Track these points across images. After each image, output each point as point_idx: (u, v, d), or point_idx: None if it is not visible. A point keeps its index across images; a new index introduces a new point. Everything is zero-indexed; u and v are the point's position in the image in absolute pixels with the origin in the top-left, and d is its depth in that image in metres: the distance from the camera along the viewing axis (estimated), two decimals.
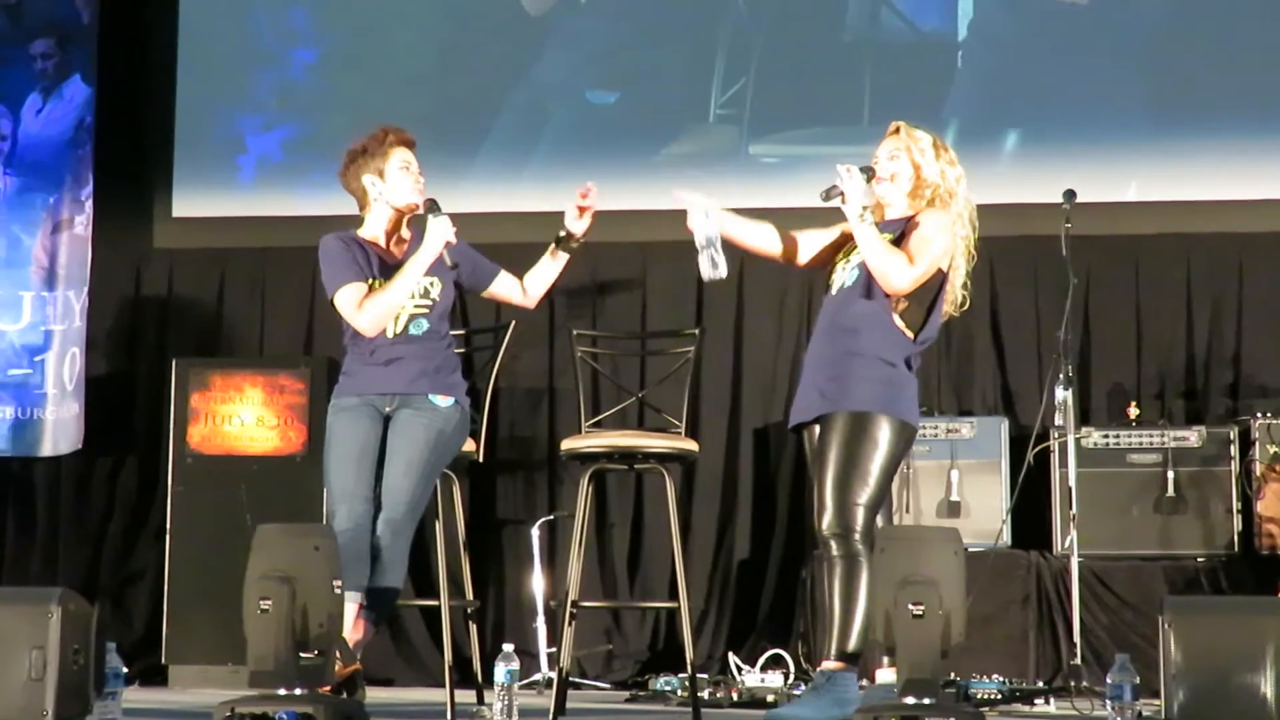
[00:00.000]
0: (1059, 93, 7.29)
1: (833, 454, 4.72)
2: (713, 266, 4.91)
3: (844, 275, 4.92)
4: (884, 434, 4.73)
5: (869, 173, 4.93)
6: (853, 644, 4.67)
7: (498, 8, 7.70)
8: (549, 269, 5.38)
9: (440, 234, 5.08)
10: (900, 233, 4.89)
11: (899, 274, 4.77)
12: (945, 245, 4.87)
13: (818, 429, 4.82)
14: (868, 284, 4.82)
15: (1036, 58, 7.35)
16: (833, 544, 4.68)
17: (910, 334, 4.84)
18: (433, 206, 5.14)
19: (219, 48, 7.83)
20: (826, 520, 4.70)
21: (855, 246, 4.89)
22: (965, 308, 5.00)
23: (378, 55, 7.71)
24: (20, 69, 7.57)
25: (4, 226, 7.50)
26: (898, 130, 5.03)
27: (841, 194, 4.84)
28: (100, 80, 7.56)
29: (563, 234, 5.32)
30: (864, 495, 4.69)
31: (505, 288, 5.39)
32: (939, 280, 4.86)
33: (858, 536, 4.67)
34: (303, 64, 7.79)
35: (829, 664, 4.69)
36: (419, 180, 5.22)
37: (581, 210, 5.30)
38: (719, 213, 4.98)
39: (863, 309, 4.82)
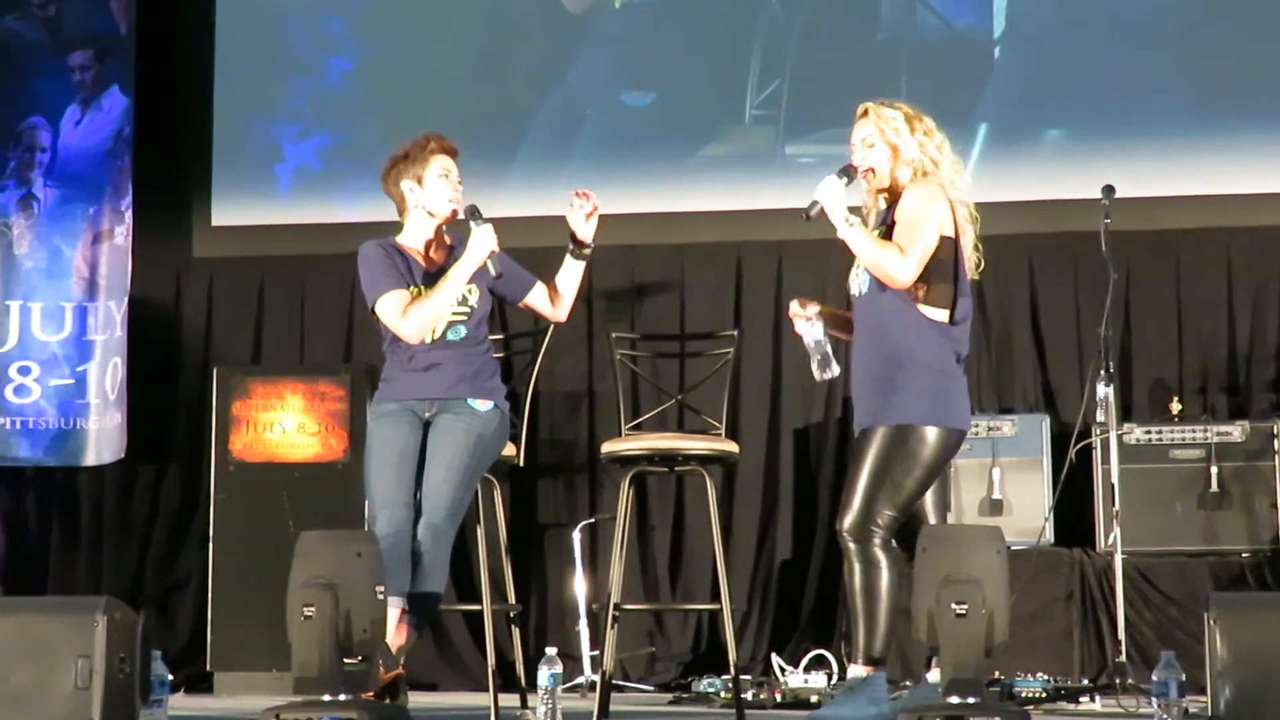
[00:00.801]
0: (1096, 88, 7.25)
1: (868, 462, 4.70)
2: (824, 367, 4.91)
3: (859, 279, 4.87)
4: (927, 446, 4.69)
5: (849, 173, 4.86)
6: (878, 648, 4.67)
7: (533, 13, 7.70)
8: (567, 279, 5.33)
9: (484, 243, 5.08)
10: (884, 219, 4.84)
11: (896, 269, 4.69)
12: (935, 215, 4.75)
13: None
14: (881, 283, 4.77)
15: (1072, 53, 7.32)
16: (852, 547, 4.68)
17: (945, 316, 4.76)
18: (474, 213, 5.14)
19: (256, 57, 7.86)
20: (848, 523, 4.69)
21: None
22: (981, 268, 4.90)
23: (413, 62, 7.72)
24: (59, 81, 7.62)
25: (45, 238, 7.55)
26: (866, 113, 4.94)
27: (820, 207, 4.78)
28: (138, 91, 7.60)
29: (571, 243, 5.28)
30: (892, 504, 4.68)
31: (539, 299, 5.37)
32: (951, 249, 4.76)
33: (878, 542, 4.66)
34: (339, 72, 7.82)
35: (860, 668, 4.68)
36: (458, 188, 5.22)
37: (587, 215, 5.24)
38: (819, 316, 4.91)
39: (890, 309, 4.76)
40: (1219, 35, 7.26)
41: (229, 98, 7.81)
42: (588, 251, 5.27)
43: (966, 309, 4.81)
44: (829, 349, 4.90)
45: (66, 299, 7.50)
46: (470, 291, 5.20)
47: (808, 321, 4.91)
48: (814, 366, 4.93)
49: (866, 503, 4.68)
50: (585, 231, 5.23)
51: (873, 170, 4.87)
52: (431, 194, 5.20)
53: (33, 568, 7.61)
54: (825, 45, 7.49)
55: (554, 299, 5.35)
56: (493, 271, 5.11)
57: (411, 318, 5.10)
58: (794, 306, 4.96)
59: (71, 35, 7.64)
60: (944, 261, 4.74)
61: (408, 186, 5.21)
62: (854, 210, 4.83)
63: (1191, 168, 7.17)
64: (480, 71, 7.71)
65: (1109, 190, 6.17)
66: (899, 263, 4.69)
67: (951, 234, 4.77)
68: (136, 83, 7.60)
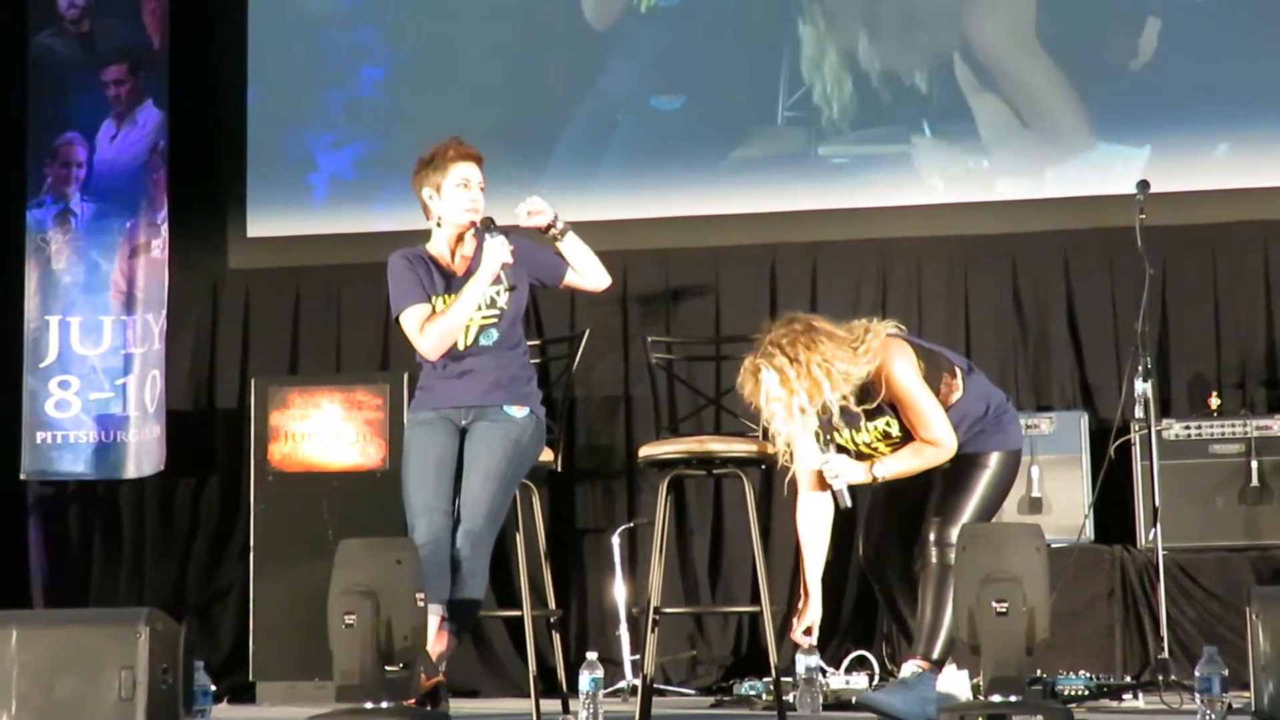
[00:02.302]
0: (1129, 82, 7.23)
1: (942, 474, 4.82)
2: (844, 501, 4.89)
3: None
4: (993, 463, 4.87)
5: (829, 439, 4.81)
6: (938, 651, 4.69)
7: (563, 20, 7.71)
8: (573, 255, 5.29)
9: (495, 256, 5.09)
10: (874, 405, 4.80)
11: (941, 456, 4.81)
12: (918, 375, 4.77)
13: None
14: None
15: (1104, 49, 7.29)
16: (932, 552, 4.74)
17: (957, 395, 4.84)
18: (489, 225, 5.14)
19: (288, 67, 7.89)
20: (933, 531, 4.78)
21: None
22: None
23: (445, 70, 7.74)
24: (94, 96, 7.66)
25: (83, 252, 7.58)
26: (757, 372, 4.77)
27: (850, 487, 4.83)
28: (172, 104, 7.63)
29: (544, 234, 5.27)
30: (969, 512, 4.79)
31: (575, 278, 5.36)
32: (937, 381, 4.83)
33: (954, 554, 4.65)
34: (372, 81, 7.84)
35: (917, 664, 4.69)
36: (475, 198, 5.21)
37: (530, 214, 5.24)
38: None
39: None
40: (1251, 27, 7.21)
41: (262, 109, 7.84)
42: (560, 227, 5.24)
43: (960, 363, 4.94)
44: (846, 490, 4.87)
45: (105, 313, 7.54)
46: (499, 294, 5.20)
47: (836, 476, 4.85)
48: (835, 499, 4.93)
49: (946, 511, 4.79)
50: (542, 222, 5.20)
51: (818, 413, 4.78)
52: (449, 204, 5.20)
53: (75, 581, 7.66)
54: (860, 40, 7.47)
55: (581, 274, 5.34)
56: (505, 283, 5.12)
57: (428, 334, 5.13)
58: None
59: (106, 50, 7.67)
60: (931, 388, 4.80)
61: (428, 194, 5.22)
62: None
63: (1227, 161, 7.13)
64: (512, 78, 7.72)
65: (1144, 185, 6.15)
66: (940, 452, 4.80)
67: (921, 367, 4.79)
68: (171, 96, 7.63)
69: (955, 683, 4.74)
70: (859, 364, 4.73)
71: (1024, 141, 7.31)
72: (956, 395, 4.84)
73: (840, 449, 4.86)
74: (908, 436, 4.83)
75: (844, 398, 4.74)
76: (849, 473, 4.83)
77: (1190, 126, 7.16)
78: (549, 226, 5.23)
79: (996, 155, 7.33)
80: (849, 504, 4.87)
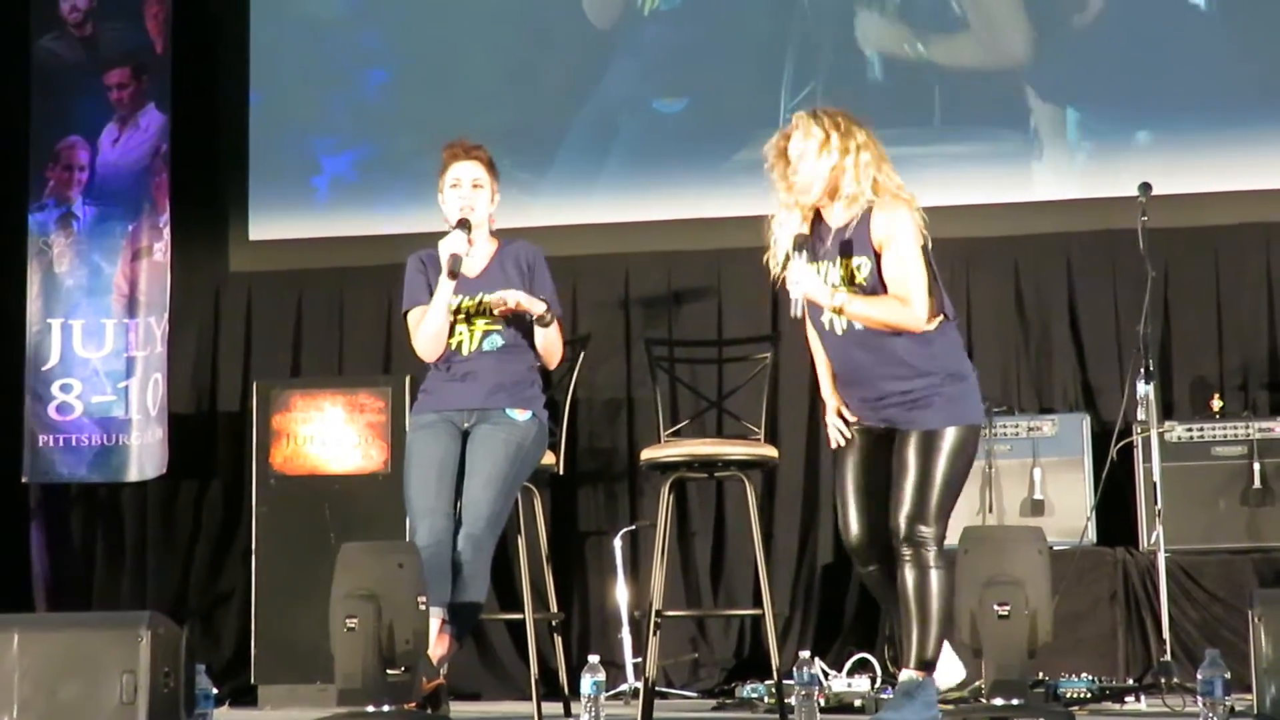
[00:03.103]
0: (1129, 85, 7.23)
1: (918, 468, 4.68)
2: (795, 310, 4.73)
3: (840, 320, 4.75)
4: (954, 440, 4.68)
5: (803, 245, 4.70)
6: (930, 653, 4.66)
7: (565, 23, 7.71)
8: (540, 336, 5.29)
9: (446, 246, 5.13)
10: (861, 245, 4.69)
11: (909, 320, 4.64)
12: (918, 240, 4.68)
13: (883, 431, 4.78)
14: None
15: (1106, 51, 7.29)
16: (906, 551, 4.65)
17: (938, 322, 4.71)
18: (462, 224, 5.19)
19: (291, 71, 7.90)
20: (904, 526, 4.65)
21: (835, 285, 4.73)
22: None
23: (448, 73, 7.74)
24: (96, 99, 7.66)
25: (85, 256, 7.59)
26: (797, 125, 4.73)
27: (808, 299, 4.68)
28: (175, 108, 7.64)
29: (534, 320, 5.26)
30: (942, 509, 4.65)
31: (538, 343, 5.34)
32: (927, 258, 4.71)
33: (931, 547, 4.64)
34: (375, 84, 7.84)
35: (913, 673, 4.65)
36: (465, 196, 5.24)
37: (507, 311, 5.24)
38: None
39: (895, 342, 4.69)
40: (1254, 29, 7.21)
41: (265, 112, 7.84)
42: (549, 319, 5.23)
43: (949, 306, 4.80)
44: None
45: (107, 316, 7.54)
46: (505, 302, 5.23)
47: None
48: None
49: (920, 507, 4.65)
50: (526, 308, 5.19)
51: (808, 212, 4.74)
52: (446, 204, 5.26)
53: (77, 584, 7.66)
54: (858, 47, 7.47)
55: (540, 348, 5.32)
56: (444, 270, 5.11)
57: (418, 338, 5.20)
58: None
59: (108, 54, 7.68)
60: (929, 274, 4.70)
61: (439, 196, 5.28)
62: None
63: (1229, 163, 7.13)
64: (514, 82, 7.72)
65: (1146, 187, 6.15)
66: (908, 315, 4.64)
67: (925, 244, 4.71)
68: (173, 100, 7.64)
69: (947, 669, 4.73)
70: (887, 175, 4.71)
71: (1027, 144, 7.30)
72: (934, 324, 4.73)
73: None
74: (872, 294, 4.68)
75: (844, 224, 4.69)
76: (811, 286, 4.65)
77: (1192, 127, 7.16)
78: (540, 317, 5.22)
79: (1000, 157, 7.32)
80: (797, 315, 4.70)
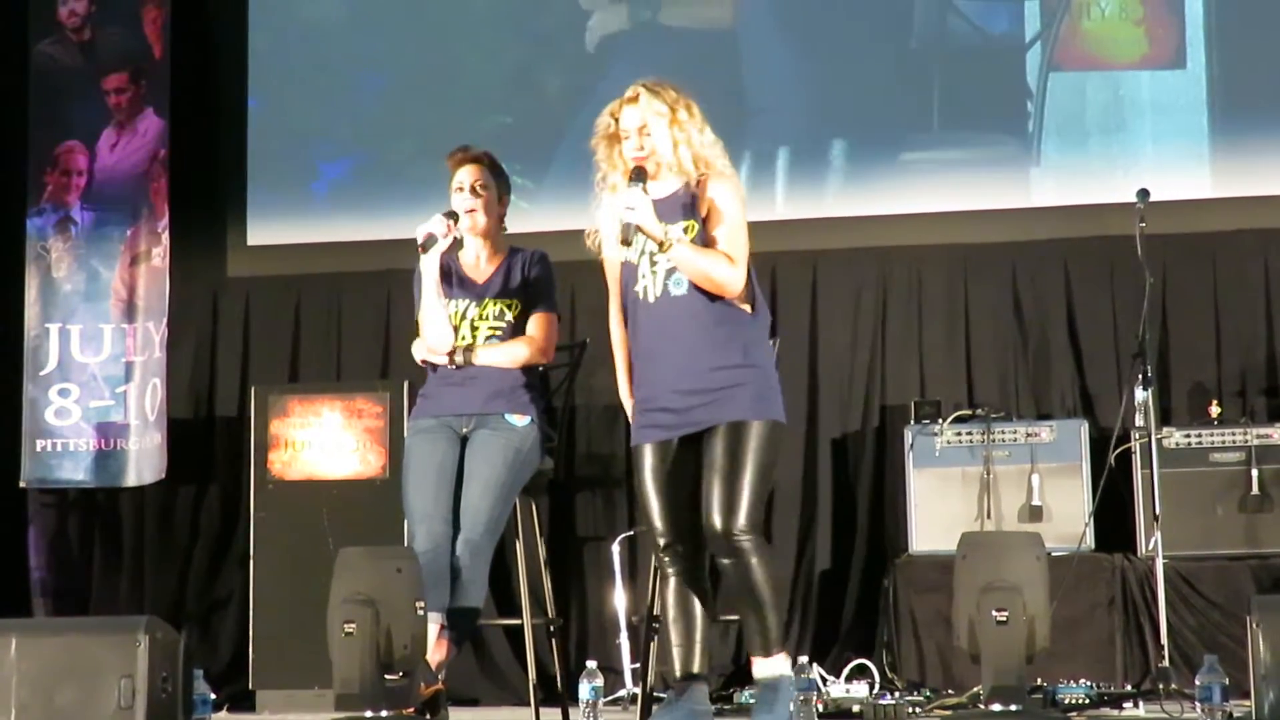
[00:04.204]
0: (1128, 90, 7.24)
1: (740, 460, 4.68)
2: (627, 234, 4.72)
3: (663, 281, 4.75)
4: (760, 434, 4.71)
5: (640, 177, 4.73)
6: (775, 637, 4.73)
7: (564, 28, 7.71)
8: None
9: (422, 226, 5.17)
10: (688, 211, 4.75)
11: (730, 280, 4.68)
12: (744, 214, 4.77)
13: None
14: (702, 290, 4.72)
15: None
16: (747, 543, 4.66)
17: (749, 308, 4.77)
18: (449, 213, 5.25)
19: (289, 75, 7.89)
20: (743, 521, 4.65)
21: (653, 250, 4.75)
22: None
23: (447, 79, 7.74)
24: (94, 104, 7.66)
25: (83, 260, 7.59)
26: (637, 97, 4.84)
27: (638, 228, 4.66)
28: (173, 112, 7.64)
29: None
30: (747, 493, 4.67)
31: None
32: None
33: (748, 539, 4.65)
34: (373, 89, 7.84)
35: (782, 662, 4.74)
36: (466, 200, 5.29)
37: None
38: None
39: (719, 309, 4.72)
40: (1252, 35, 7.22)
41: (263, 117, 7.84)
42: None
43: (763, 303, 4.87)
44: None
45: (105, 321, 7.54)
46: (511, 306, 5.26)
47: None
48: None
49: (755, 499, 4.68)
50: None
51: (655, 168, 4.78)
52: (453, 207, 5.30)
53: (75, 589, 7.65)
54: (855, 52, 7.47)
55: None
56: (419, 245, 5.15)
57: (422, 333, 5.26)
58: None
59: (106, 59, 7.68)
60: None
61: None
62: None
63: (1226, 169, 7.13)
64: (512, 87, 7.72)
65: (1144, 194, 6.15)
66: (732, 274, 4.69)
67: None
68: (172, 105, 7.64)
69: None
70: (723, 152, 4.83)
71: (1025, 149, 7.30)
72: (750, 309, 4.77)
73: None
74: None
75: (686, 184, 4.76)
76: (646, 215, 4.63)
77: (1190, 134, 7.17)
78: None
79: (997, 163, 7.32)
80: (628, 241, 4.68)
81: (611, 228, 4.78)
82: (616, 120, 4.85)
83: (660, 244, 4.67)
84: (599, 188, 4.93)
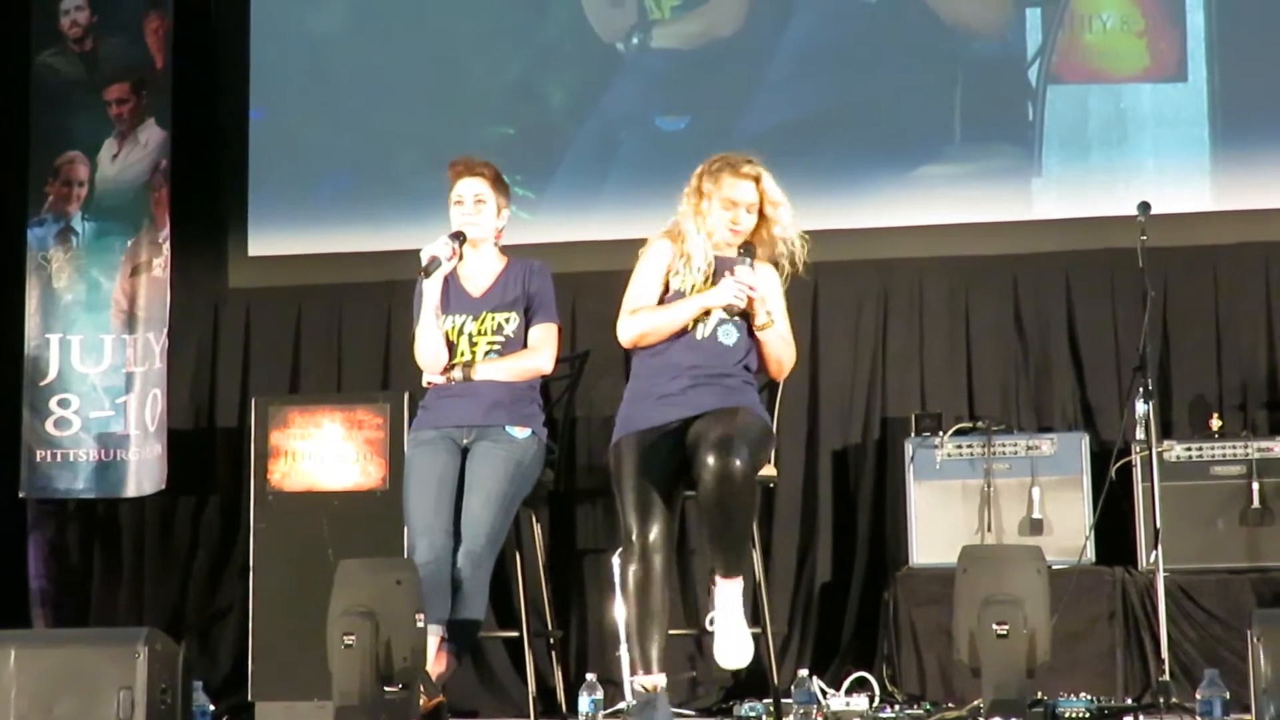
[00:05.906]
0: (1131, 103, 7.24)
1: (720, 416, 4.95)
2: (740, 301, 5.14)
3: (714, 327, 5.06)
4: (750, 412, 5.04)
5: (751, 253, 5.12)
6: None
7: (567, 40, 7.71)
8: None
9: (427, 248, 5.19)
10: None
11: (791, 362, 5.21)
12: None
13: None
14: (748, 349, 5.07)
15: None
16: (716, 454, 4.82)
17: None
18: (456, 235, 5.25)
19: (290, 86, 7.90)
20: (716, 454, 4.83)
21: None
22: None
23: (449, 90, 7.74)
24: (96, 115, 7.67)
25: (84, 271, 7.59)
26: (759, 179, 5.18)
27: (750, 299, 5.04)
28: (175, 123, 7.64)
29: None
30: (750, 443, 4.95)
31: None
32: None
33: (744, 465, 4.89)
34: (374, 99, 7.83)
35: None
36: (465, 213, 5.30)
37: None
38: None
39: (743, 376, 5.09)
40: (1253, 48, 7.22)
41: (265, 128, 7.84)
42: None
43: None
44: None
45: (105, 331, 7.54)
46: (508, 320, 5.25)
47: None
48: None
49: (755, 447, 4.95)
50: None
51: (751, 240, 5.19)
52: (453, 223, 5.30)
53: (74, 600, 7.65)
54: (854, 65, 7.47)
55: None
56: (422, 267, 5.18)
57: (416, 351, 5.26)
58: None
59: (108, 70, 7.68)
60: None
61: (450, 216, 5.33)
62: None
63: (1228, 182, 7.14)
64: (515, 98, 7.72)
65: (1145, 207, 6.15)
66: (792, 355, 5.21)
67: None
68: (173, 115, 7.64)
69: (737, 649, 5.01)
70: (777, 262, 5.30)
71: (1027, 161, 7.30)
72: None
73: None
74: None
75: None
76: (758, 295, 5.03)
77: (1191, 147, 7.17)
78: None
79: (998, 175, 7.32)
80: (741, 304, 5.03)
81: (719, 296, 5.03)
82: (724, 183, 5.18)
83: (762, 325, 5.07)
84: (689, 205, 5.28)
